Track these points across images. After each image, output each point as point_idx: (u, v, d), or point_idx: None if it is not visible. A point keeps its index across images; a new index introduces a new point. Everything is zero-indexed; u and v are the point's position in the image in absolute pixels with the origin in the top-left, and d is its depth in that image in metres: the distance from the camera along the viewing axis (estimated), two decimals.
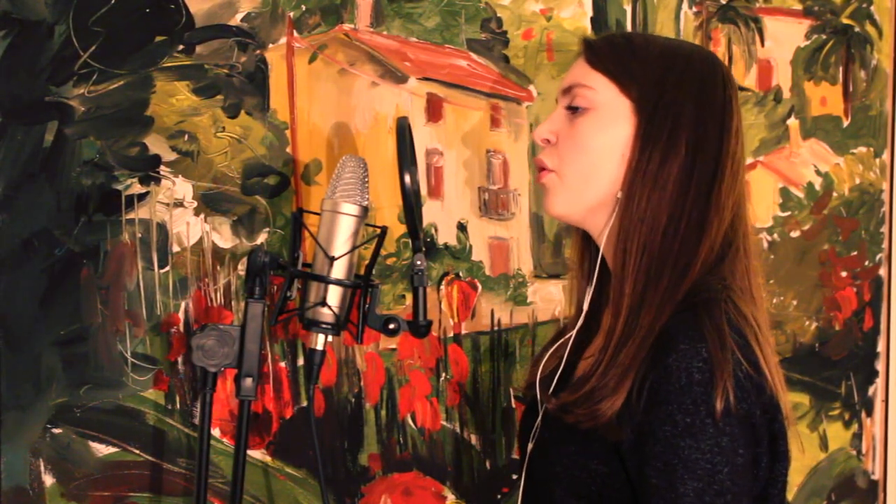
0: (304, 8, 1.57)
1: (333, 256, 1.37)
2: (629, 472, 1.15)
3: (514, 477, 1.71)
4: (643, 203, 1.20)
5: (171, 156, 1.50)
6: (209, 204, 1.52)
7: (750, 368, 1.13)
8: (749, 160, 1.88)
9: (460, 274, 1.68)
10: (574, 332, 1.32)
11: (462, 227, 1.67)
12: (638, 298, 1.18)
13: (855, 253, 2.00)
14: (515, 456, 1.70)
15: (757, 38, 1.88)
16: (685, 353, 1.11)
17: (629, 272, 1.20)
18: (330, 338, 1.40)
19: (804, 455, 1.94)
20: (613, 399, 1.13)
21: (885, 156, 2.01)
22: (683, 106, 1.22)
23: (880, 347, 2.03)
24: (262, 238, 1.55)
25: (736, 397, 1.10)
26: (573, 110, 1.26)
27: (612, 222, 1.24)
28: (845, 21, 1.95)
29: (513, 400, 1.71)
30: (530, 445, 1.28)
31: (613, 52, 1.25)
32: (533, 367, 1.41)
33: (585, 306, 1.33)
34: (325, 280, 1.37)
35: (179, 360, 1.52)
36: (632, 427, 1.13)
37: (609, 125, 1.23)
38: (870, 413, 2.03)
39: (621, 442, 1.14)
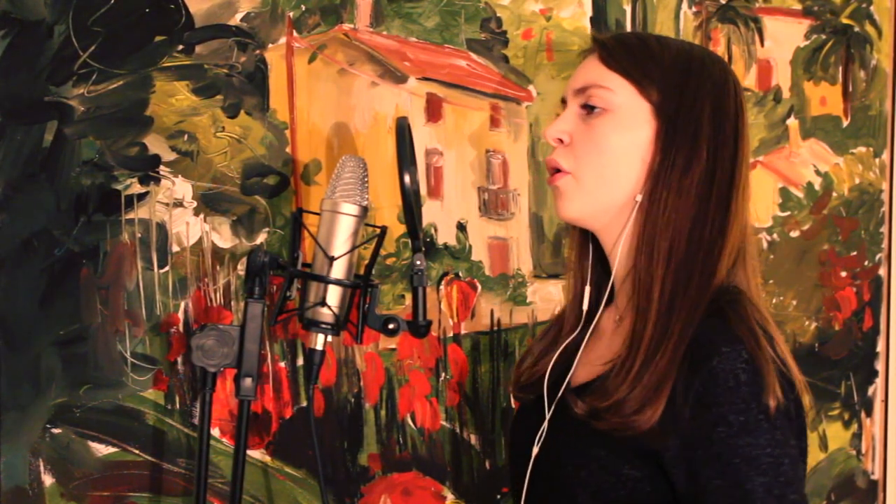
0: (303, 8, 1.57)
1: (333, 256, 1.37)
2: (673, 478, 1.14)
3: None
4: (667, 208, 1.20)
5: (171, 156, 1.50)
6: (209, 204, 1.52)
7: (781, 366, 1.15)
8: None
9: (460, 274, 1.68)
10: (587, 335, 1.31)
11: (462, 227, 1.68)
12: (667, 304, 1.18)
13: (854, 253, 2.00)
14: None
15: (756, 38, 1.88)
16: (728, 355, 1.12)
17: (657, 277, 1.19)
18: (329, 338, 1.40)
19: None
20: (654, 408, 1.13)
21: (885, 156, 2.01)
22: (703, 110, 1.22)
23: (880, 347, 2.03)
24: (261, 238, 1.55)
25: (781, 393, 1.12)
26: (588, 110, 1.24)
27: (631, 226, 1.24)
28: (845, 21, 1.96)
29: (512, 400, 1.71)
30: (535, 448, 1.28)
31: (630, 53, 1.25)
32: (519, 369, 1.40)
33: (585, 307, 1.33)
34: (325, 280, 1.37)
35: (179, 360, 1.52)
36: (676, 433, 1.13)
37: (628, 128, 1.23)
38: (869, 413, 2.03)
39: (664, 448, 1.14)
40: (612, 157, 1.23)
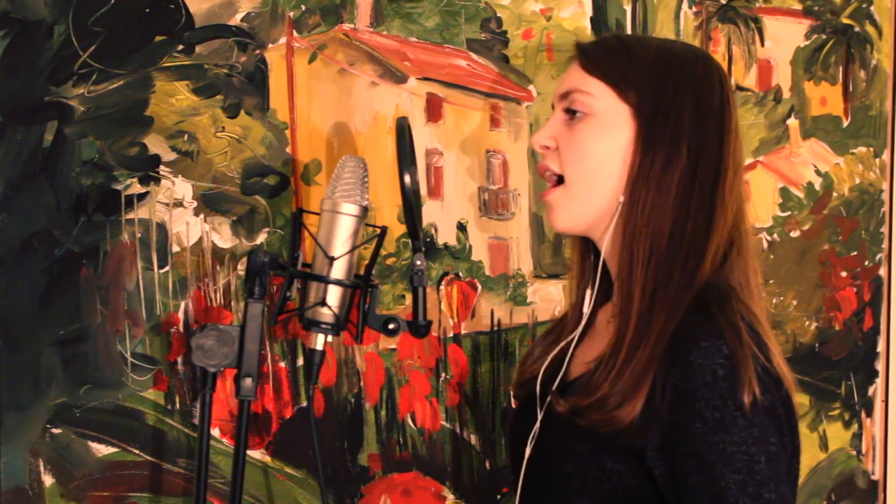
0: (303, 8, 1.56)
1: (333, 256, 1.37)
2: (654, 472, 1.15)
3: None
4: (647, 207, 1.21)
5: (171, 156, 1.50)
6: (209, 204, 1.52)
7: (767, 363, 1.14)
8: (749, 160, 1.88)
9: (460, 274, 1.68)
10: (577, 334, 1.32)
11: (462, 227, 1.67)
12: (647, 303, 1.18)
13: (855, 253, 2.00)
14: None
15: (757, 38, 1.88)
16: (706, 350, 1.12)
17: (637, 277, 1.20)
18: (330, 338, 1.40)
19: (805, 455, 1.94)
20: (633, 404, 1.14)
21: (885, 156, 2.01)
22: (683, 109, 1.22)
23: (880, 347, 2.03)
24: (261, 238, 1.55)
25: (760, 389, 1.11)
26: (571, 115, 1.26)
27: (615, 226, 1.24)
28: (845, 21, 1.95)
29: (512, 400, 1.71)
30: (528, 448, 1.28)
31: (609, 56, 1.26)
32: (522, 366, 1.41)
33: (586, 309, 1.33)
34: (325, 280, 1.37)
35: (179, 360, 1.52)
36: (657, 427, 1.13)
37: (609, 131, 1.23)
38: (870, 413, 2.02)
39: (646, 443, 1.14)
40: (595, 161, 1.24)
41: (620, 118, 1.23)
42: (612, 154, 1.23)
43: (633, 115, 1.23)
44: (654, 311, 1.17)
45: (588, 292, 1.34)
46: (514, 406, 1.47)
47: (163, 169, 1.50)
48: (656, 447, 1.14)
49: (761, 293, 1.27)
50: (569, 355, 1.30)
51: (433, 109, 1.65)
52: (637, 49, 1.26)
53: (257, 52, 1.54)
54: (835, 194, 1.97)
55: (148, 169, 1.49)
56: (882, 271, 2.02)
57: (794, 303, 1.95)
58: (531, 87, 1.71)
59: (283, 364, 1.57)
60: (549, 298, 1.73)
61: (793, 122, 1.92)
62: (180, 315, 1.52)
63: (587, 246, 1.35)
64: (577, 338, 1.32)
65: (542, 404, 1.28)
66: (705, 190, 1.22)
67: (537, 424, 1.28)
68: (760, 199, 1.90)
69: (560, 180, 1.28)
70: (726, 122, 1.24)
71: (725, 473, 1.09)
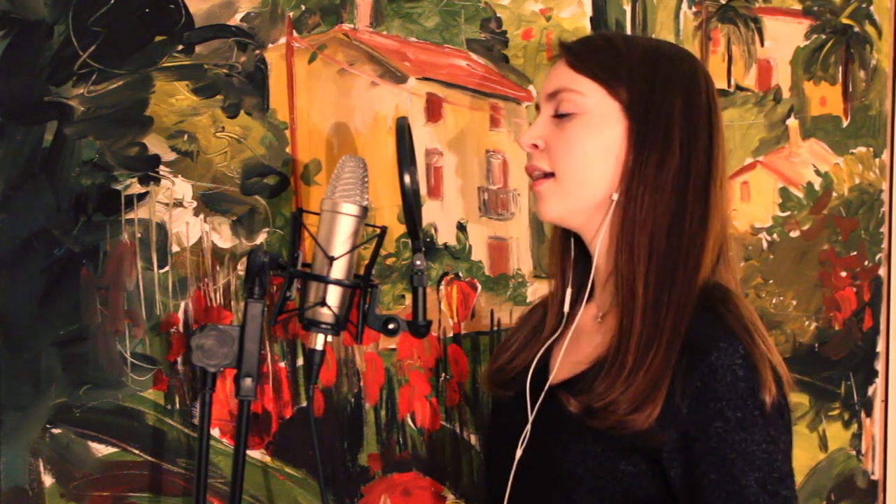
0: (303, 8, 1.56)
1: (333, 256, 1.37)
2: (669, 472, 1.15)
3: None
4: (644, 204, 1.21)
5: (171, 156, 1.50)
6: (209, 204, 1.52)
7: (773, 363, 1.16)
8: (749, 160, 1.88)
9: (460, 274, 1.68)
10: (567, 334, 1.31)
11: (462, 227, 1.67)
12: (652, 299, 1.19)
13: (854, 253, 2.00)
14: None
15: (756, 38, 1.88)
16: (725, 351, 1.13)
17: (639, 273, 1.20)
18: (329, 338, 1.40)
19: (804, 455, 1.94)
20: (652, 407, 1.14)
21: (885, 156, 2.01)
22: (673, 106, 1.22)
23: (880, 347, 2.03)
24: (261, 238, 1.55)
25: (775, 389, 1.14)
26: (560, 115, 1.25)
27: (609, 223, 1.24)
28: (845, 21, 1.95)
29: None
30: (519, 450, 1.27)
31: (596, 54, 1.26)
32: (498, 364, 1.40)
33: (567, 308, 1.33)
34: (325, 280, 1.37)
35: (179, 360, 1.52)
36: (675, 428, 1.14)
37: (600, 128, 1.23)
38: (869, 413, 2.02)
39: (661, 444, 1.14)
40: (586, 159, 1.24)
41: (611, 115, 1.23)
42: (603, 152, 1.23)
43: (624, 112, 1.23)
44: (661, 309, 1.17)
45: (569, 291, 1.34)
46: (493, 405, 1.46)
47: (163, 169, 1.50)
48: (673, 447, 1.14)
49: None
50: (560, 355, 1.30)
51: (433, 109, 1.65)
52: (624, 47, 1.26)
53: (257, 52, 1.54)
54: (834, 194, 1.97)
55: (148, 169, 1.49)
56: (882, 271, 2.02)
57: (794, 303, 1.95)
58: (531, 87, 1.71)
59: (282, 364, 1.57)
60: None
61: (792, 122, 1.92)
62: (180, 315, 1.52)
63: (567, 244, 1.35)
64: (558, 336, 1.32)
65: (533, 404, 1.28)
66: (699, 187, 1.22)
67: (528, 426, 1.27)
68: (760, 199, 1.90)
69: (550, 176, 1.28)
70: (714, 121, 1.25)
71: (746, 472, 1.11)
